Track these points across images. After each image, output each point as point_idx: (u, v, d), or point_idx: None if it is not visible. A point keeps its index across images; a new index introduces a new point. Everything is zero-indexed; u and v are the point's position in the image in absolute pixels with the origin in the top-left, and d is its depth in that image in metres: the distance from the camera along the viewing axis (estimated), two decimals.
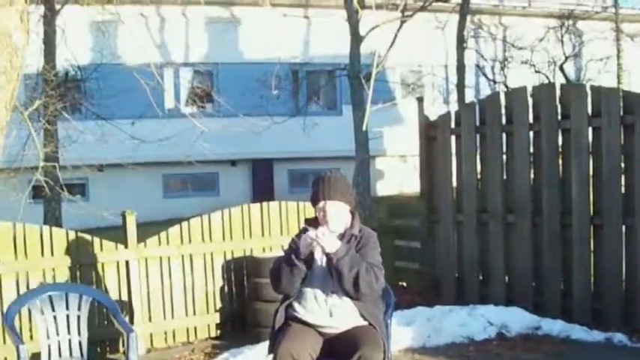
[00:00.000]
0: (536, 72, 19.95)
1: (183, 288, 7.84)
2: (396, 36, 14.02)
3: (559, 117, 7.67)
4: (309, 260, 4.58)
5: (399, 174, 19.84)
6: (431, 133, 8.86)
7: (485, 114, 8.29)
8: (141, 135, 14.29)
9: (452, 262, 8.64)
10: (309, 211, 6.47)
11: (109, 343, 7.34)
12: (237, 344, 7.20)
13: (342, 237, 4.63)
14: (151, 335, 7.65)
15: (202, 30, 19.06)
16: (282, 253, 4.84)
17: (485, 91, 19.67)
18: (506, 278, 8.18)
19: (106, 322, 7.10)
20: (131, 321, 7.26)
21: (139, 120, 15.43)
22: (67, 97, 13.80)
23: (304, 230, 4.63)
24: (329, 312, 4.58)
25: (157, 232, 7.78)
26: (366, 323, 4.60)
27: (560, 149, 7.73)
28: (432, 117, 8.93)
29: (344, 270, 4.41)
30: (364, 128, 13.46)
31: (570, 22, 20.61)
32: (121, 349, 7.22)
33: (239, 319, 8.07)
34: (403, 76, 20.84)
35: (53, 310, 5.33)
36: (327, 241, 4.43)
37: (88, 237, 7.36)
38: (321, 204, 4.65)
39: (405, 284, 9.34)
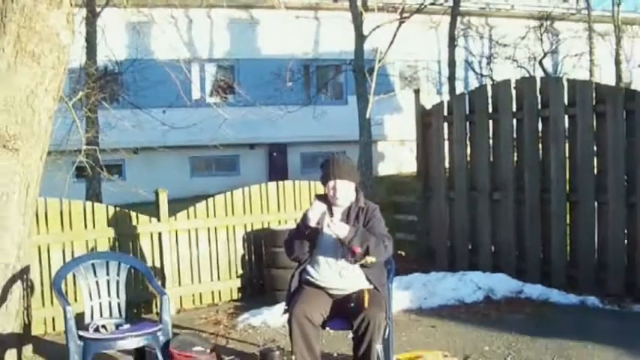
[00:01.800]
0: (519, 67, 19.89)
1: (209, 256, 7.83)
2: (395, 35, 13.95)
3: (539, 106, 7.60)
4: (317, 229, 4.56)
5: (397, 156, 19.79)
6: (426, 120, 8.79)
7: (474, 104, 8.22)
8: (171, 122, 14.25)
9: (444, 234, 8.60)
10: (319, 189, 6.44)
11: (144, 304, 7.35)
12: (256, 306, 7.19)
13: (349, 209, 4.69)
14: (181, 298, 7.65)
15: (225, 30, 19.01)
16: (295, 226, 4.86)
17: (474, 83, 19.59)
18: (492, 248, 8.14)
19: (141, 286, 7.11)
20: (163, 285, 7.27)
21: (170, 109, 15.41)
22: (106, 88, 13.79)
23: None
24: (339, 273, 4.60)
25: (186, 208, 7.76)
26: (371, 286, 4.60)
27: (540, 135, 7.67)
28: (427, 106, 8.87)
29: (356, 249, 4.42)
30: (367, 116, 13.44)
31: (548, 22, 20.50)
32: (155, 309, 7.22)
33: (258, 283, 8.08)
34: (401, 70, 20.76)
35: (95, 275, 5.31)
36: (337, 229, 4.44)
37: (125, 211, 7.35)
38: (331, 183, 4.67)
39: (403, 253, 9.30)
